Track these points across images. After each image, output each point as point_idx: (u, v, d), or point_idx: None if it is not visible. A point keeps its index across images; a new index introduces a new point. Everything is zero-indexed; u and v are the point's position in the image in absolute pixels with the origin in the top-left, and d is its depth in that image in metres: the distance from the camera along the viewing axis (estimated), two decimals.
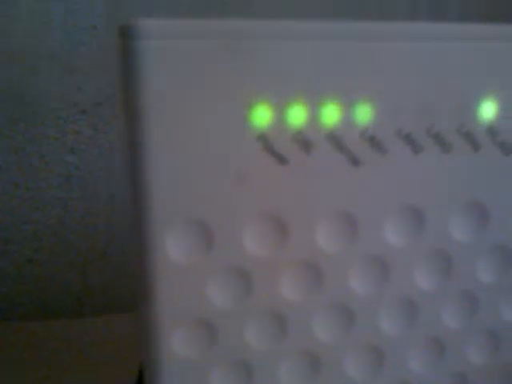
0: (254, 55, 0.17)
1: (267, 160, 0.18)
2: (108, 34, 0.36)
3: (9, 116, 0.39)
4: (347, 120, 0.18)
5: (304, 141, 0.18)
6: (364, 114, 0.18)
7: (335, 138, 0.18)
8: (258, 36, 0.17)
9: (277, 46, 0.17)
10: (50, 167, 0.41)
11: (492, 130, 0.19)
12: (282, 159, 0.18)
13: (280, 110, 0.17)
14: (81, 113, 0.40)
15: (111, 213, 0.42)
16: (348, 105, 0.18)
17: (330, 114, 0.18)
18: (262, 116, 0.17)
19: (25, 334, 0.38)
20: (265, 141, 0.17)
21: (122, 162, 0.17)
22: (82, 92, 0.39)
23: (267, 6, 0.40)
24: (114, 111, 0.39)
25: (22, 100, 0.39)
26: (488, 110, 0.19)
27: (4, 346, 0.36)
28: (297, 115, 0.17)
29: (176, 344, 0.19)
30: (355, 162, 0.18)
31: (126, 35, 0.16)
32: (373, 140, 0.18)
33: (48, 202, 0.41)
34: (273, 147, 0.18)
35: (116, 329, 0.39)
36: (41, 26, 0.38)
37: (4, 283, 0.43)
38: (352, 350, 0.21)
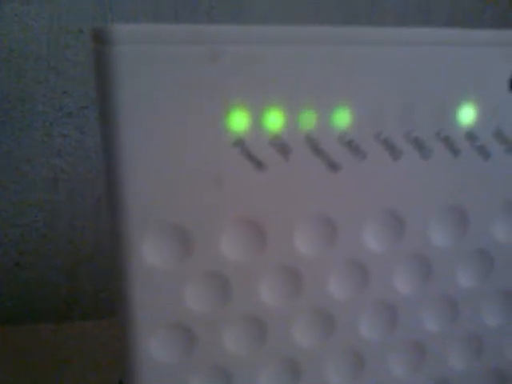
0: (231, 60, 0.16)
1: (245, 165, 0.18)
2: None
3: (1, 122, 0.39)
4: (325, 124, 0.18)
5: (281, 145, 0.18)
6: (342, 118, 0.18)
7: (313, 142, 0.18)
8: (234, 41, 0.17)
9: (254, 50, 0.17)
10: (37, 170, 0.40)
11: (471, 134, 0.19)
12: (259, 164, 0.18)
13: (257, 114, 0.17)
14: (67, 116, 0.40)
15: (98, 216, 0.42)
16: (326, 109, 0.18)
17: (308, 118, 0.18)
18: (239, 121, 0.17)
19: (12, 338, 0.38)
20: (242, 145, 0.17)
21: (102, 166, 0.17)
22: (68, 95, 0.39)
23: (250, 11, 0.40)
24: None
25: (8, 103, 0.39)
26: (467, 114, 0.19)
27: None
28: (274, 120, 0.17)
29: (154, 349, 0.19)
30: (333, 166, 0.18)
31: (99, 39, 0.16)
32: (351, 144, 0.18)
33: (35, 205, 0.41)
34: (250, 152, 0.17)
35: (103, 333, 0.39)
36: (27, 30, 0.37)
37: None
38: (332, 356, 0.21)
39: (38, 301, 0.44)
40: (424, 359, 0.22)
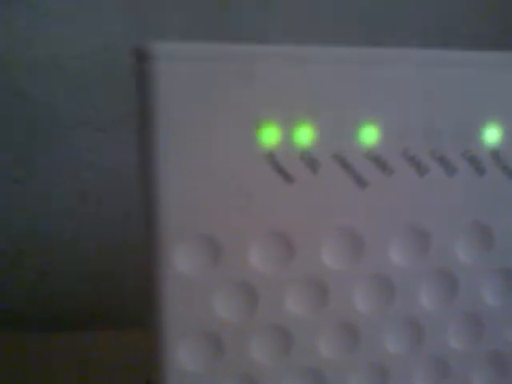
0: (264, 77, 0.17)
1: (274, 178, 0.18)
2: (124, 53, 0.38)
3: (30, 133, 0.40)
4: (353, 140, 0.18)
5: (310, 160, 0.18)
6: (370, 135, 0.18)
7: (341, 158, 0.18)
8: (268, 60, 0.17)
9: (286, 69, 0.17)
10: (67, 182, 0.42)
11: (496, 154, 0.19)
12: (288, 177, 0.18)
13: (288, 129, 0.18)
14: (97, 130, 0.41)
15: (126, 229, 0.43)
16: (354, 126, 0.18)
17: (336, 135, 0.18)
18: (270, 135, 0.18)
19: (35, 345, 0.39)
20: (272, 159, 0.18)
21: (136, 179, 0.18)
22: (98, 110, 0.41)
23: (279, 31, 0.41)
24: (130, 129, 0.40)
25: (41, 117, 0.40)
26: (492, 134, 0.19)
27: (14, 357, 0.37)
28: (304, 135, 0.18)
29: (182, 357, 0.19)
30: (361, 181, 0.19)
31: (141, 57, 0.16)
32: (378, 160, 0.19)
33: (64, 217, 0.42)
34: (280, 165, 0.18)
35: (127, 344, 0.39)
36: (59, 46, 0.39)
37: (17, 295, 0.43)
38: (356, 368, 0.21)
39: (63, 310, 0.44)
40: (447, 376, 0.22)
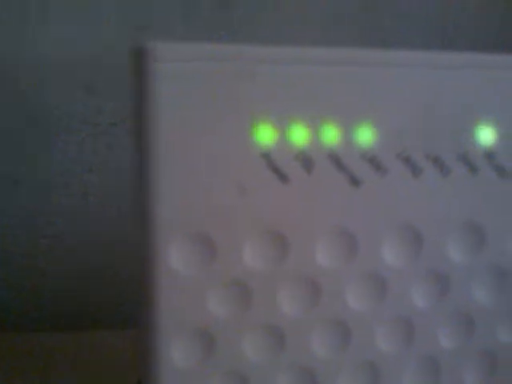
0: (261, 77, 0.17)
1: (269, 177, 0.18)
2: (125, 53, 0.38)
3: (31, 135, 0.40)
4: (349, 141, 0.18)
5: (306, 159, 0.18)
6: (366, 135, 0.19)
7: (336, 158, 0.18)
8: (265, 60, 0.17)
9: (282, 69, 0.18)
10: (69, 184, 0.42)
11: (489, 154, 0.20)
12: (283, 177, 0.18)
13: (283, 129, 0.18)
14: (99, 132, 0.41)
15: (122, 228, 0.43)
16: (350, 126, 0.18)
17: (332, 135, 0.18)
18: (265, 135, 0.18)
19: (22, 346, 0.38)
20: (268, 158, 0.18)
21: (130, 177, 0.18)
22: (100, 112, 0.41)
23: (275, 32, 0.41)
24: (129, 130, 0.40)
25: (43, 119, 0.40)
26: (486, 134, 0.19)
27: (5, 355, 0.37)
28: (299, 135, 0.18)
29: (175, 353, 0.19)
30: (355, 181, 0.19)
31: (143, 57, 0.17)
32: (373, 161, 0.19)
33: (65, 218, 0.42)
34: (275, 165, 0.18)
35: (117, 344, 0.39)
36: (63, 47, 0.39)
37: (4, 293, 0.43)
38: (348, 366, 0.21)
39: (49, 309, 0.44)
40: (438, 374, 0.22)
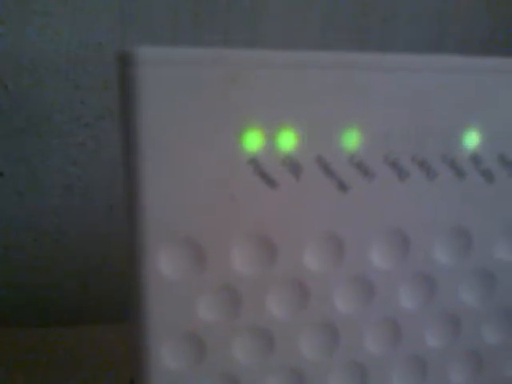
0: (248, 82, 0.17)
1: (258, 182, 0.18)
2: (112, 50, 0.37)
3: (15, 127, 0.40)
4: (335, 145, 0.19)
5: (293, 165, 0.18)
6: (352, 140, 0.19)
7: (323, 163, 0.19)
8: (251, 65, 0.17)
9: (269, 74, 0.17)
10: (53, 177, 0.42)
11: (476, 158, 0.20)
12: (271, 182, 0.18)
13: (271, 135, 0.18)
14: (84, 126, 0.41)
15: (110, 222, 0.43)
16: (336, 131, 0.18)
17: (319, 140, 0.18)
18: (253, 140, 0.18)
19: (23, 341, 0.39)
20: (255, 164, 0.18)
21: (122, 175, 0.18)
22: (86, 106, 0.40)
23: (263, 33, 0.41)
24: (116, 125, 0.40)
25: (28, 112, 0.40)
26: (472, 139, 0.19)
27: (2, 352, 0.37)
28: (287, 140, 0.18)
29: (165, 357, 0.20)
30: (343, 186, 0.19)
31: (125, 61, 0.16)
32: (360, 165, 0.19)
33: (49, 211, 0.42)
34: (263, 170, 0.18)
35: (113, 338, 0.40)
36: (48, 41, 0.39)
37: (4, 290, 0.43)
38: (337, 368, 0.21)
39: (49, 304, 0.45)
40: (425, 375, 0.22)
